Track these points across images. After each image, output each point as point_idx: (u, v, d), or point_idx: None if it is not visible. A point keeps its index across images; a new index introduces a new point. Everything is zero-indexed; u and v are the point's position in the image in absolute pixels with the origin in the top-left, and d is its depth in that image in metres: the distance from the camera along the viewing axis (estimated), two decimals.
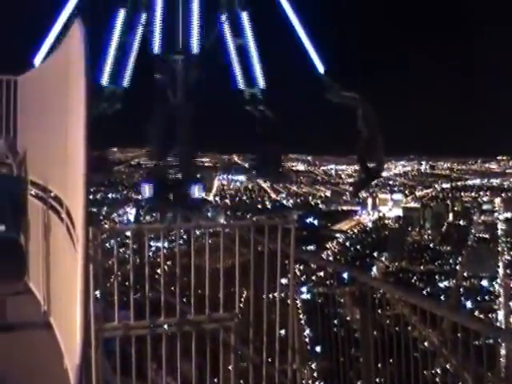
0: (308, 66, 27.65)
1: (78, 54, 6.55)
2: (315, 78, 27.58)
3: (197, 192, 28.09)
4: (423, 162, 72.82)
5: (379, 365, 7.19)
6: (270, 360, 7.51)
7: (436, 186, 69.88)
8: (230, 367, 7.45)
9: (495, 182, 68.92)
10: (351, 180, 64.93)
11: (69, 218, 7.59)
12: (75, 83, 6.75)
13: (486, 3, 66.94)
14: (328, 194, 68.79)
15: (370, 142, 27.11)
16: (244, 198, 68.31)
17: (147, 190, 27.32)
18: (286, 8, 27.53)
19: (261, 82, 27.82)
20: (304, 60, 27.67)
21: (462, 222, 63.82)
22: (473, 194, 67.61)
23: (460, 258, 58.18)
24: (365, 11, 71.21)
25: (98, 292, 6.74)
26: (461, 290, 53.98)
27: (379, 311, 7.55)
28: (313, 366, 9.01)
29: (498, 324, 46.01)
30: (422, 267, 57.26)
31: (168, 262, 7.25)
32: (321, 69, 27.65)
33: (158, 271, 7.46)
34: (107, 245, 6.94)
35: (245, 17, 27.57)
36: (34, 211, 10.07)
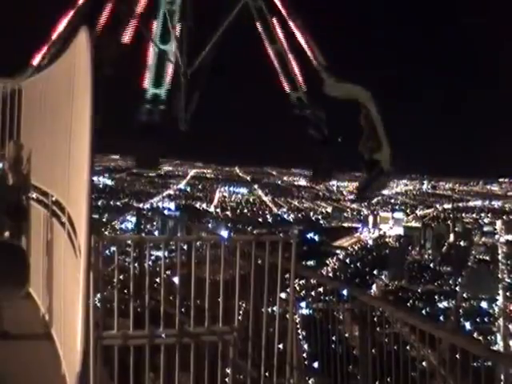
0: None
1: (85, 61, 6.57)
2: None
3: None
4: (425, 182, 72.80)
5: (377, 383, 7.14)
6: (267, 374, 7.47)
7: (437, 205, 69.82)
8: (227, 379, 7.41)
9: (497, 204, 68.83)
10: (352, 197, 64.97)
11: (70, 224, 7.57)
12: (81, 90, 6.76)
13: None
14: (329, 209, 68.77)
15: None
16: (245, 210, 68.28)
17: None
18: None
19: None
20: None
21: (462, 243, 63.68)
22: (474, 215, 67.52)
23: (460, 279, 58.01)
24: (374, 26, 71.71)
25: (97, 300, 6.71)
26: (460, 310, 53.76)
27: (378, 329, 7.51)
28: (310, 381, 8.94)
29: (497, 347, 45.76)
30: (421, 287, 57.09)
31: (167, 272, 7.23)
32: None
33: (157, 280, 7.43)
34: (107, 252, 6.91)
35: None
36: (36, 216, 10.05)
